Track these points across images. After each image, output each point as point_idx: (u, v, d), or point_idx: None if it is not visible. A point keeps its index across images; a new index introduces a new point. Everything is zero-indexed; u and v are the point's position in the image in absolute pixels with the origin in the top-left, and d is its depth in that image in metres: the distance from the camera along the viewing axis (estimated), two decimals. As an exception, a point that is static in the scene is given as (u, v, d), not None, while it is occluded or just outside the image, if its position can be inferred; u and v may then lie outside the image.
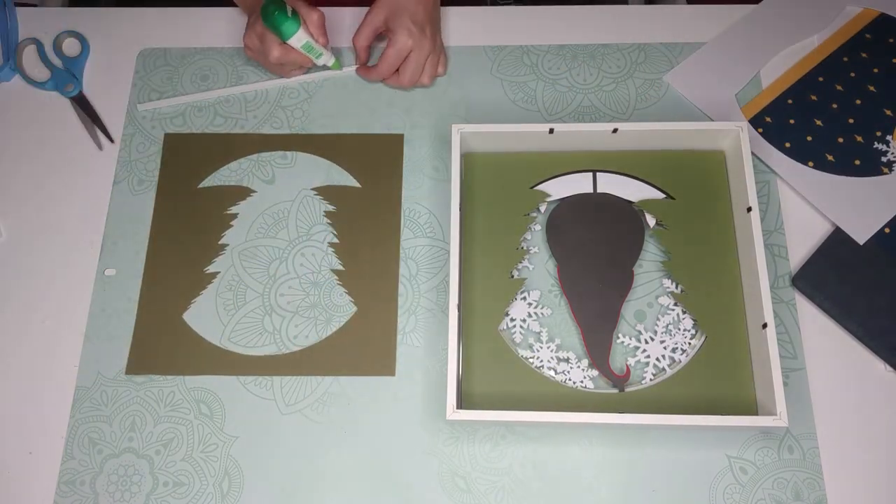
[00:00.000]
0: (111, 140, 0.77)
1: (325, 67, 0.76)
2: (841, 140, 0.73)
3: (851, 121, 0.74)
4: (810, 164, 0.72)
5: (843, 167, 0.72)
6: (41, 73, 0.81)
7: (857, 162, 0.72)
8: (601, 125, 0.69)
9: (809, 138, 0.73)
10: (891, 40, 0.78)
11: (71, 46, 0.82)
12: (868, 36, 0.78)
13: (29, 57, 0.82)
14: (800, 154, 0.73)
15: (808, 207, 0.71)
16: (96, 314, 0.70)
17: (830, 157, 0.72)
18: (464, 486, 0.63)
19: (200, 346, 0.68)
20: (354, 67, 0.78)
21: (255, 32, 0.72)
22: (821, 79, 0.76)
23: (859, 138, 0.73)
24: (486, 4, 0.92)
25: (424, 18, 0.72)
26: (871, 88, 0.75)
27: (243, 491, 0.63)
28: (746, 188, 0.66)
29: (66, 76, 0.79)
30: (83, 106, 0.78)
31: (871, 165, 0.72)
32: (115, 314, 0.69)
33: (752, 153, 0.71)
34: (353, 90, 0.78)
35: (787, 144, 0.73)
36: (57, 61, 0.81)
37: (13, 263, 0.72)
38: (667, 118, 0.75)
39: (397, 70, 0.74)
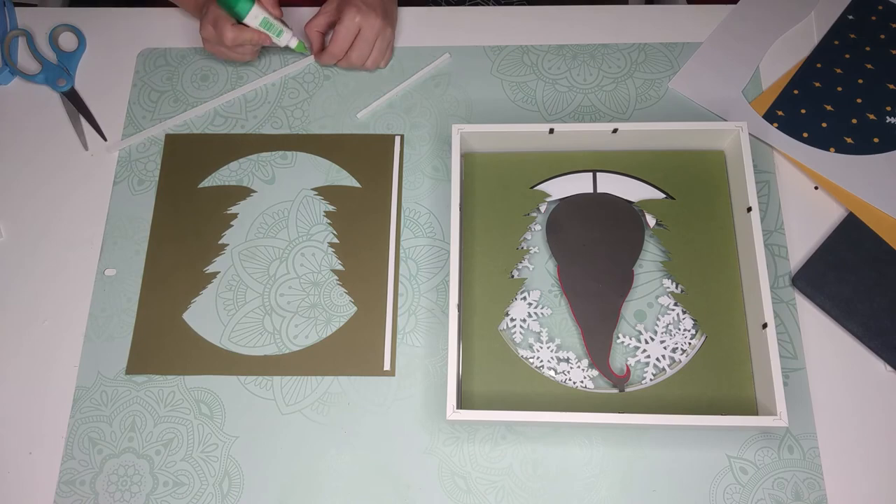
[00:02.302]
0: (104, 138, 0.77)
1: (288, 49, 0.76)
2: (855, 121, 0.73)
3: (859, 100, 0.74)
4: (832, 149, 0.72)
5: (863, 147, 0.72)
6: (32, 66, 0.81)
7: (876, 140, 0.72)
8: (601, 125, 0.69)
9: (824, 125, 0.73)
10: (873, 18, 0.78)
11: (67, 41, 0.82)
12: (850, 17, 0.78)
13: (21, 48, 0.82)
14: (819, 142, 0.73)
15: (808, 207, 0.71)
16: (96, 314, 0.70)
17: (849, 140, 0.72)
18: (464, 486, 0.63)
19: (200, 346, 0.68)
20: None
21: (209, 21, 0.72)
22: (819, 65, 0.77)
23: (872, 116, 0.73)
24: (451, 5, 0.92)
25: (376, 2, 0.73)
26: (869, 66, 0.76)
27: (243, 491, 0.63)
28: (746, 188, 0.66)
29: (58, 71, 0.79)
30: (74, 102, 0.78)
31: (891, 140, 0.72)
32: (115, 314, 0.70)
33: (775, 149, 0.72)
34: (353, 90, 0.78)
35: (805, 134, 0.73)
36: (51, 55, 0.80)
37: (13, 263, 0.72)
38: (667, 118, 0.75)
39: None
